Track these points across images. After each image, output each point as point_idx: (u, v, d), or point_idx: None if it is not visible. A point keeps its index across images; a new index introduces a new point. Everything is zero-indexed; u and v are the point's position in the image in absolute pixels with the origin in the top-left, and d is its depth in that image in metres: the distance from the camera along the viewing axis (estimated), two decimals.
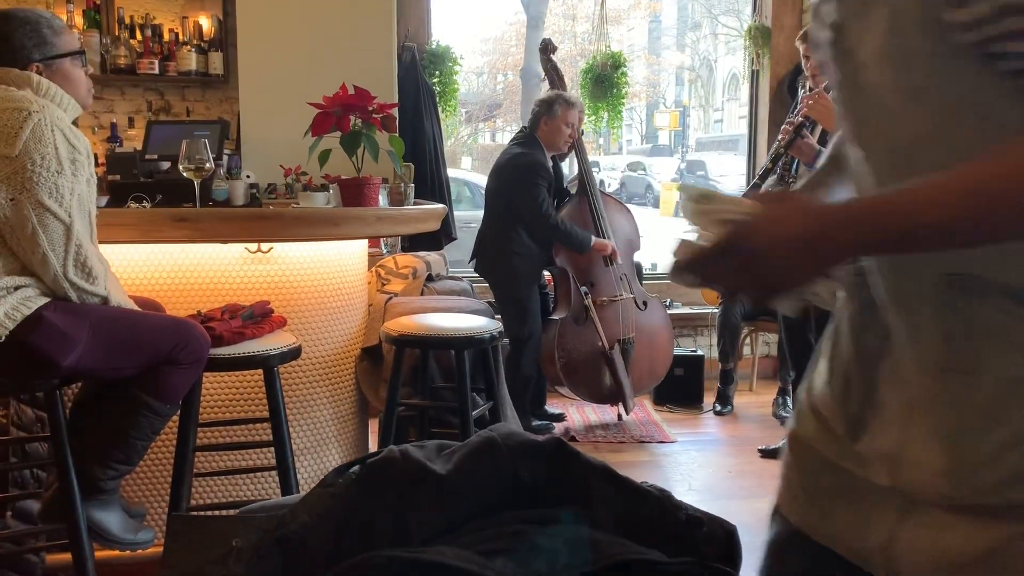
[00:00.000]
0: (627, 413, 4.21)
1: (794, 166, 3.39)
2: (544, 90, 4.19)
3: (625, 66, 4.99)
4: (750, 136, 5.51)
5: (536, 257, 3.96)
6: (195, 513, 1.29)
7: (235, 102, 4.40)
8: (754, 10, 5.36)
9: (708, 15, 18.11)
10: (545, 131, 3.96)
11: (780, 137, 3.02)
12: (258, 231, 2.51)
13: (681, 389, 4.62)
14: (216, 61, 4.61)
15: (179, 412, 2.26)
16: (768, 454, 3.79)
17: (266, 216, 2.52)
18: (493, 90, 17.71)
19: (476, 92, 17.47)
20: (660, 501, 1.05)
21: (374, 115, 2.71)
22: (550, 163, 4.01)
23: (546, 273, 4.20)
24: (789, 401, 4.14)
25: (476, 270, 4.14)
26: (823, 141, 3.00)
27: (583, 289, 4.03)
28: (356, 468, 1.11)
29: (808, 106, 2.85)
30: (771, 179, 3.50)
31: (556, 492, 1.08)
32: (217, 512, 2.28)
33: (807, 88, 3.51)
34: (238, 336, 2.33)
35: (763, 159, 5.11)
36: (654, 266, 7.22)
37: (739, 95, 5.36)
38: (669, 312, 5.01)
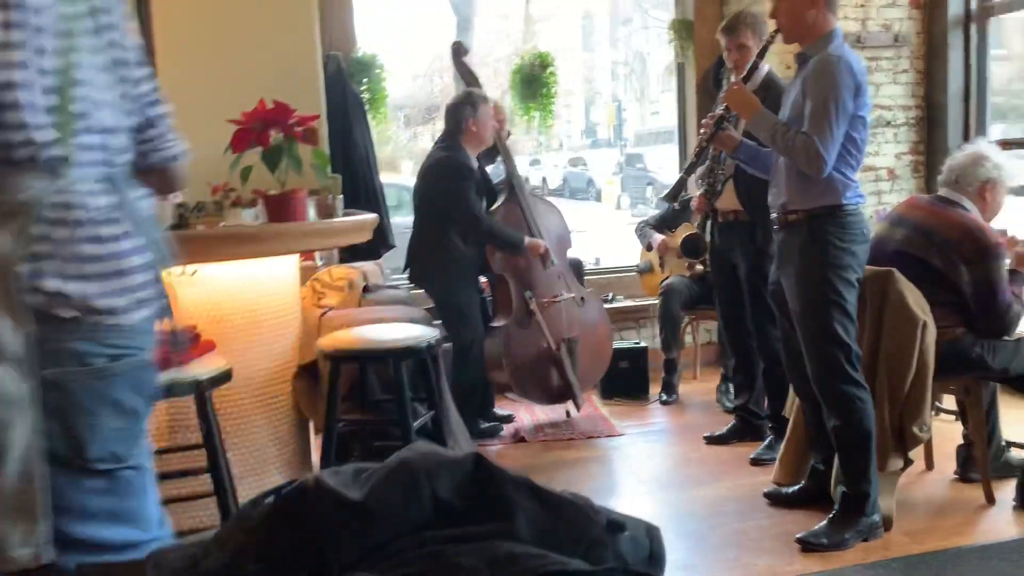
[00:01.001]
0: (578, 410, 4.23)
1: (722, 155, 3.43)
2: (459, 92, 4.15)
3: (553, 65, 5.00)
4: (680, 128, 5.58)
5: (471, 261, 3.95)
6: (104, 560, 1.25)
7: None
8: (676, 3, 5.41)
9: (638, 8, 18.27)
10: (472, 131, 3.93)
11: (702, 131, 3.06)
12: (182, 254, 2.45)
13: (627, 382, 4.66)
14: None
15: None
16: (713, 441, 3.84)
17: (188, 238, 2.46)
18: (431, 93, 17.63)
19: (413, 95, 17.37)
20: (580, 509, 1.05)
21: (295, 128, 2.68)
22: (476, 164, 3.99)
23: (482, 279, 4.18)
24: (731, 388, 4.20)
25: (411, 279, 4.11)
26: (747, 132, 3.04)
27: (527, 293, 4.03)
28: (270, 500, 1.09)
29: (726, 97, 2.88)
30: (700, 170, 3.54)
31: (476, 509, 1.07)
32: None
33: (730, 80, 3.55)
34: (164, 363, 2.27)
35: (692, 148, 5.18)
36: (597, 261, 7.27)
37: (674, 87, 5.41)
38: (611, 306, 5.06)
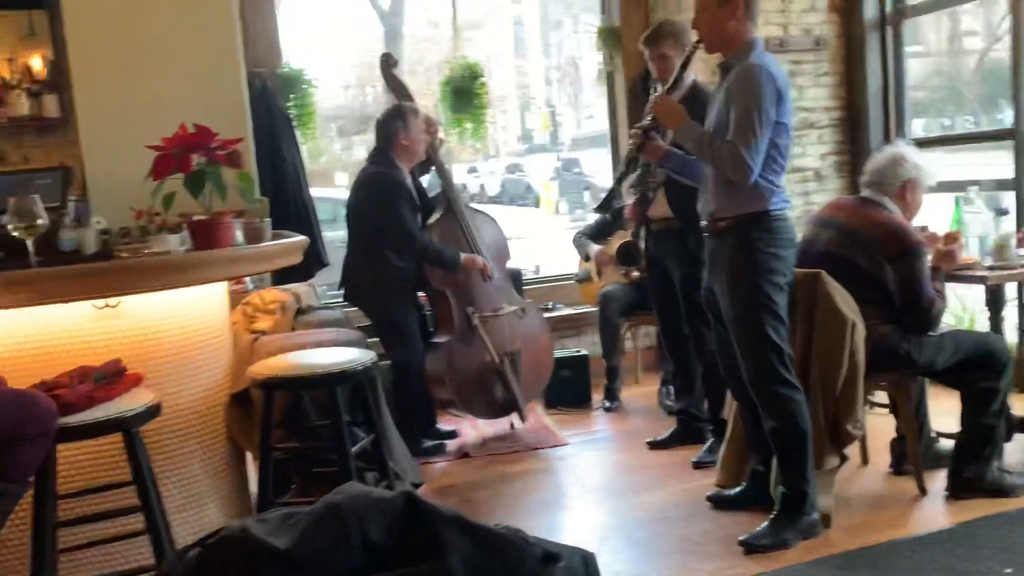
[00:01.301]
0: (523, 422, 4.22)
1: (653, 167, 3.46)
2: (390, 105, 4.10)
3: (483, 76, 4.99)
4: (611, 134, 5.62)
5: (407, 276, 3.90)
6: None
7: (77, 146, 4.16)
8: (603, 10, 5.46)
9: (568, 13, 18.41)
10: (404, 144, 3.89)
11: (631, 141, 3.08)
12: (103, 287, 2.37)
13: (569, 390, 4.67)
14: (51, 104, 4.36)
15: (33, 488, 2.12)
16: (656, 446, 3.87)
17: (111, 270, 2.38)
18: (363, 103, 17.48)
19: (346, 106, 17.20)
20: (514, 543, 1.04)
21: (219, 152, 2.62)
22: (409, 179, 3.95)
23: (420, 294, 4.15)
24: (671, 390, 4.24)
25: (345, 298, 4.05)
26: (675, 141, 3.08)
27: (469, 309, 4.00)
28: (195, 552, 1.05)
29: (652, 109, 2.91)
30: (632, 178, 3.56)
31: (409, 550, 1.05)
32: None
33: (657, 88, 3.59)
34: (88, 401, 2.20)
35: (624, 154, 5.23)
36: (537, 269, 7.28)
37: (605, 90, 5.50)
38: (552, 315, 5.07)
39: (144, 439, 2.28)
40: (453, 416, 4.34)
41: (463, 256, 3.92)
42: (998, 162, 4.72)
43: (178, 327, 2.63)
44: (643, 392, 4.84)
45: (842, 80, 5.10)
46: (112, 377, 2.31)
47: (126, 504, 2.40)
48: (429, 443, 4.05)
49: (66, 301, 2.39)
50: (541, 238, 11.80)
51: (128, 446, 2.21)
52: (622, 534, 3.02)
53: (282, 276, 3.98)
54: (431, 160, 4.12)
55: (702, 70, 4.54)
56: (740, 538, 2.79)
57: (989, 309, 3.37)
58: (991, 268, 3.20)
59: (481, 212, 4.35)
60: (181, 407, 2.64)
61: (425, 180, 4.31)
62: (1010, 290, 3.52)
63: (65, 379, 2.28)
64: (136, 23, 4.06)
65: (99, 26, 4.02)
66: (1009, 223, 3.50)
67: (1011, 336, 3.76)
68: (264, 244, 2.72)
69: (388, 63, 4.19)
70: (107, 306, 2.49)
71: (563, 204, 16.24)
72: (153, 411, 2.24)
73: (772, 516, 2.83)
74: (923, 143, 4.49)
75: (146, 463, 2.23)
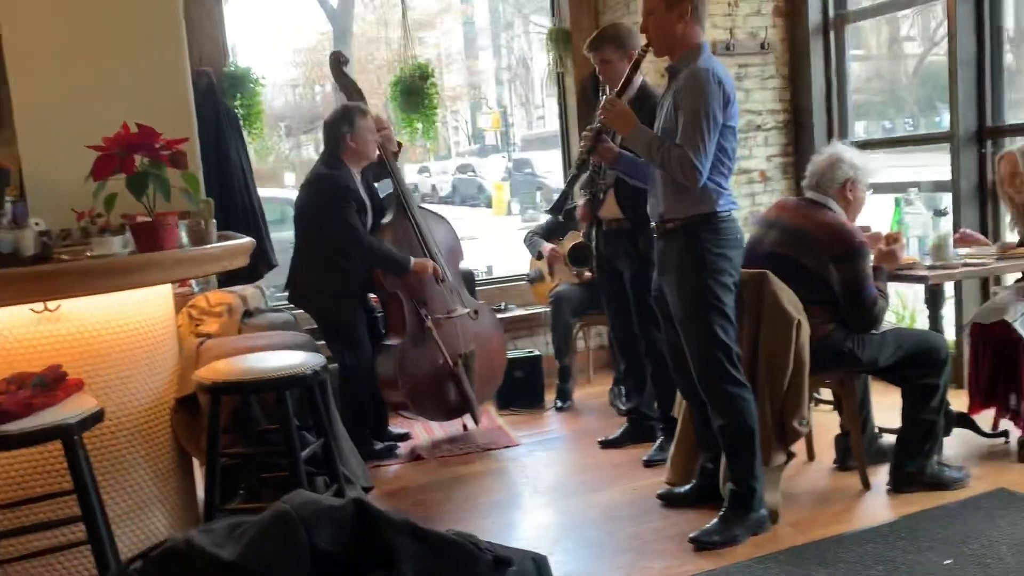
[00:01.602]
0: (477, 424, 4.21)
1: (603, 169, 3.49)
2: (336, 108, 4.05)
3: (433, 76, 4.97)
4: (562, 134, 5.65)
5: (354, 279, 3.86)
6: None
7: (13, 145, 4.03)
8: (552, 12, 5.48)
9: (519, 14, 18.44)
10: (353, 146, 3.84)
11: (582, 144, 3.10)
12: (41, 290, 2.31)
13: (522, 391, 4.68)
14: None
15: None
16: (607, 445, 3.90)
17: (49, 273, 2.31)
18: (311, 102, 17.29)
19: (294, 105, 16.99)
20: (465, 548, 1.03)
21: (162, 152, 2.56)
22: (358, 179, 3.90)
23: (372, 296, 4.11)
24: (623, 390, 4.27)
25: (291, 301, 4.00)
26: (623, 144, 3.10)
27: (422, 311, 3.97)
28: (139, 564, 1.02)
29: (604, 112, 2.93)
30: (583, 179, 3.59)
31: (359, 557, 1.03)
32: None
33: (607, 93, 3.61)
34: (27, 408, 2.14)
35: (575, 155, 5.26)
36: (489, 269, 7.27)
37: (556, 91, 5.53)
38: (504, 315, 5.07)
39: (87, 446, 2.22)
40: (405, 418, 4.32)
41: (414, 260, 3.89)
42: (936, 164, 4.86)
43: (121, 331, 2.57)
44: (595, 392, 4.87)
45: (787, 83, 5.20)
46: (52, 383, 2.25)
47: (67, 514, 2.35)
48: (380, 446, 4.02)
49: (3, 305, 2.32)
50: (493, 239, 11.81)
51: (69, 454, 2.15)
52: (574, 534, 3.03)
53: (228, 278, 3.90)
54: (384, 162, 4.07)
55: (651, 72, 4.59)
56: (690, 535, 2.83)
57: (928, 307, 3.46)
58: (931, 268, 3.29)
59: (433, 213, 4.33)
60: (125, 413, 2.58)
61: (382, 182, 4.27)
62: (948, 288, 3.62)
63: (2, 386, 2.22)
64: (76, 17, 3.96)
65: (37, 20, 3.91)
66: (946, 223, 3.60)
67: (949, 333, 3.87)
68: (209, 246, 2.67)
69: (339, 61, 4.14)
70: (46, 310, 2.42)
71: (515, 204, 16.27)
72: (96, 417, 2.19)
73: (721, 513, 2.87)
74: (865, 145, 4.59)
75: (88, 471, 2.17)
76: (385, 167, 4.10)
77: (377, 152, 3.99)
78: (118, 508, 2.56)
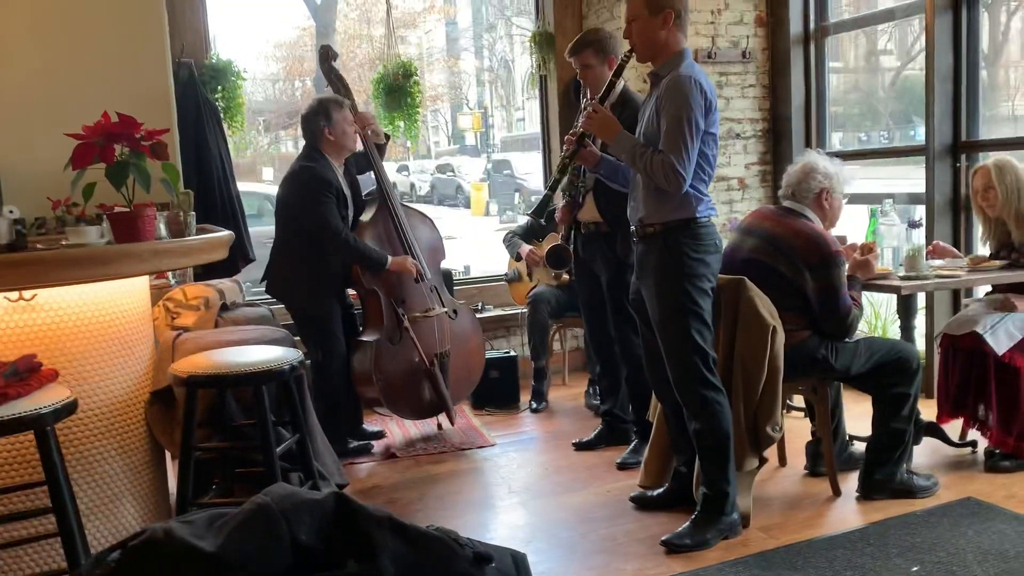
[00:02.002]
0: (452, 424, 4.21)
1: (582, 172, 3.51)
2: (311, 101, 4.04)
3: (416, 75, 4.97)
4: (543, 137, 5.66)
5: (333, 274, 3.85)
6: None
7: None
8: (536, 15, 5.50)
9: (501, 16, 18.46)
10: (332, 139, 3.83)
11: (564, 148, 3.12)
12: (16, 278, 2.27)
13: (498, 391, 4.69)
14: None
15: None
16: (581, 447, 3.91)
17: (25, 262, 2.28)
18: (291, 97, 17.19)
19: (273, 99, 16.89)
20: (445, 544, 1.04)
21: (143, 142, 2.54)
22: (340, 172, 3.89)
23: (351, 291, 4.10)
24: (598, 391, 4.30)
25: (268, 292, 3.98)
26: (605, 147, 3.12)
27: (399, 309, 3.96)
28: (116, 554, 1.02)
29: (588, 119, 2.95)
30: (564, 182, 3.60)
31: (339, 551, 1.04)
32: None
33: (588, 97, 3.64)
34: (0, 398, 2.11)
35: (556, 157, 5.29)
36: (467, 269, 7.28)
37: (538, 94, 5.56)
38: (482, 316, 5.07)
39: (59, 437, 2.20)
40: (380, 415, 4.31)
41: (392, 259, 3.88)
42: (911, 176, 4.93)
43: (96, 321, 2.54)
44: (570, 393, 4.89)
45: (767, 92, 5.26)
46: (26, 373, 2.22)
47: (37, 505, 2.32)
48: (355, 443, 4.01)
49: None
50: (471, 239, 11.81)
51: (41, 445, 2.12)
52: (547, 535, 3.04)
53: (205, 271, 3.88)
54: (367, 155, 4.06)
55: (631, 77, 4.62)
56: (662, 538, 2.85)
57: (900, 317, 3.52)
58: (904, 278, 3.34)
59: (417, 211, 4.32)
60: (99, 404, 2.56)
61: (362, 178, 4.26)
62: (920, 299, 3.67)
63: None
64: (58, 4, 3.92)
65: (17, 5, 3.87)
66: (920, 235, 3.66)
67: (920, 344, 3.92)
68: (188, 238, 2.66)
69: (327, 56, 4.12)
70: (21, 299, 2.39)
71: (493, 205, 16.28)
72: (69, 408, 2.16)
73: (694, 516, 2.89)
74: (841, 156, 4.65)
75: (60, 463, 2.15)
76: (366, 161, 4.10)
77: (359, 143, 3.98)
78: (89, 501, 2.53)
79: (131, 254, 2.39)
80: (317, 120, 3.80)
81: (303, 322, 3.87)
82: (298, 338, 3.87)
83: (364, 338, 3.98)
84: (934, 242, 3.81)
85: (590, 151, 3.13)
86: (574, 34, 5.20)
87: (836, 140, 5.59)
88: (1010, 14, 6.61)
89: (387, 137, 4.28)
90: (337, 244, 3.75)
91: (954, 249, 3.76)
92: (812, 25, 5.09)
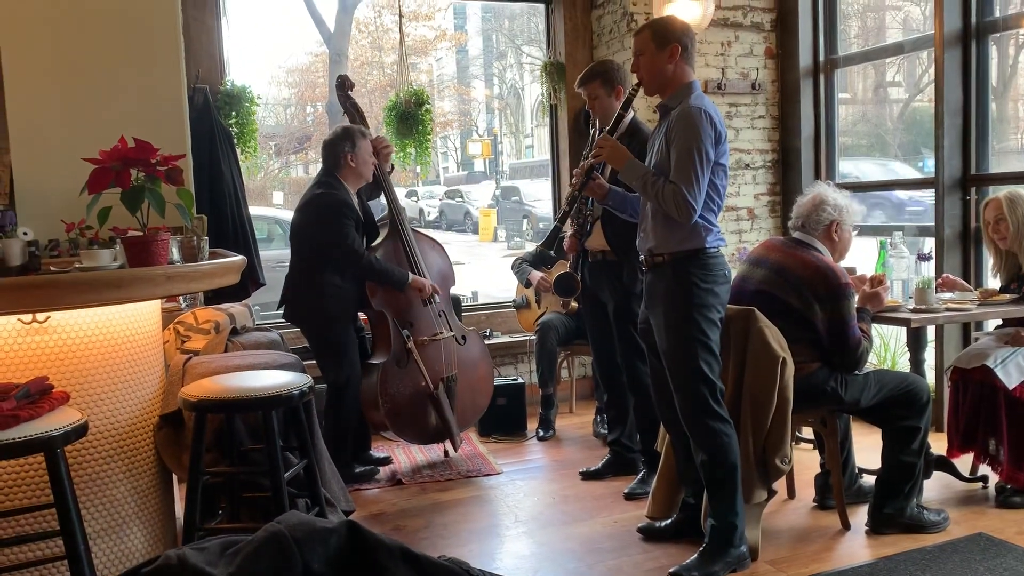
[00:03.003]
0: (455, 450, 4.20)
1: (590, 201, 3.54)
2: (336, 128, 4.09)
3: (428, 103, 5.02)
4: (553, 165, 5.70)
5: (349, 298, 3.87)
6: None
7: (5, 153, 4.03)
8: (548, 46, 5.56)
9: (512, 45, 18.64)
10: (353, 166, 3.88)
11: (573, 181, 3.16)
12: (31, 301, 2.29)
13: (505, 418, 4.67)
14: None
15: None
16: (589, 476, 3.90)
17: (39, 284, 2.30)
18: (303, 122, 17.36)
19: (284, 124, 17.06)
20: (457, 575, 1.04)
21: (158, 167, 2.56)
22: (356, 200, 3.94)
23: (361, 315, 4.12)
24: (605, 419, 4.28)
25: (285, 317, 4.00)
26: (614, 179, 3.15)
27: (405, 332, 3.98)
28: None
29: (598, 150, 2.98)
30: (572, 213, 3.62)
31: None
32: None
33: (597, 126, 3.67)
34: (12, 420, 2.11)
35: (566, 185, 5.32)
36: (475, 295, 7.28)
37: (547, 121, 5.61)
38: (490, 342, 5.07)
39: (68, 459, 2.21)
40: (387, 440, 4.30)
41: (412, 277, 3.91)
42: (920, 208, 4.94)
43: (108, 344, 2.56)
44: (578, 422, 4.88)
45: (776, 123, 5.29)
46: (37, 395, 2.23)
47: (45, 528, 2.32)
48: (361, 469, 4.00)
49: None
50: (478, 265, 11.83)
51: (51, 467, 2.13)
52: (554, 565, 3.02)
53: (216, 295, 3.91)
54: (380, 182, 4.10)
55: (640, 108, 4.65)
56: (670, 570, 2.83)
57: (910, 350, 3.51)
58: (914, 311, 3.34)
59: (427, 236, 4.34)
60: (109, 427, 2.56)
61: (375, 204, 4.29)
62: (930, 332, 3.66)
63: None
64: (76, 32, 3.98)
65: (36, 34, 3.93)
66: (929, 268, 3.66)
67: (930, 377, 3.91)
68: (201, 263, 2.68)
69: (344, 85, 4.18)
70: (35, 321, 2.41)
71: (501, 231, 16.34)
72: (80, 431, 2.17)
73: (702, 548, 2.87)
74: (847, 187, 4.67)
75: (69, 486, 2.15)
76: (379, 186, 4.13)
77: (373, 173, 4.02)
78: (96, 524, 2.53)
79: (144, 278, 2.40)
80: (343, 145, 3.86)
81: (320, 346, 3.89)
82: (312, 362, 3.89)
83: (372, 360, 3.99)
84: (944, 275, 3.81)
85: (598, 183, 3.16)
86: (584, 64, 5.26)
87: (846, 170, 5.61)
88: (1019, 47, 6.64)
89: (392, 167, 4.32)
90: (359, 264, 3.79)
91: (964, 282, 3.76)
92: (821, 58, 5.13)
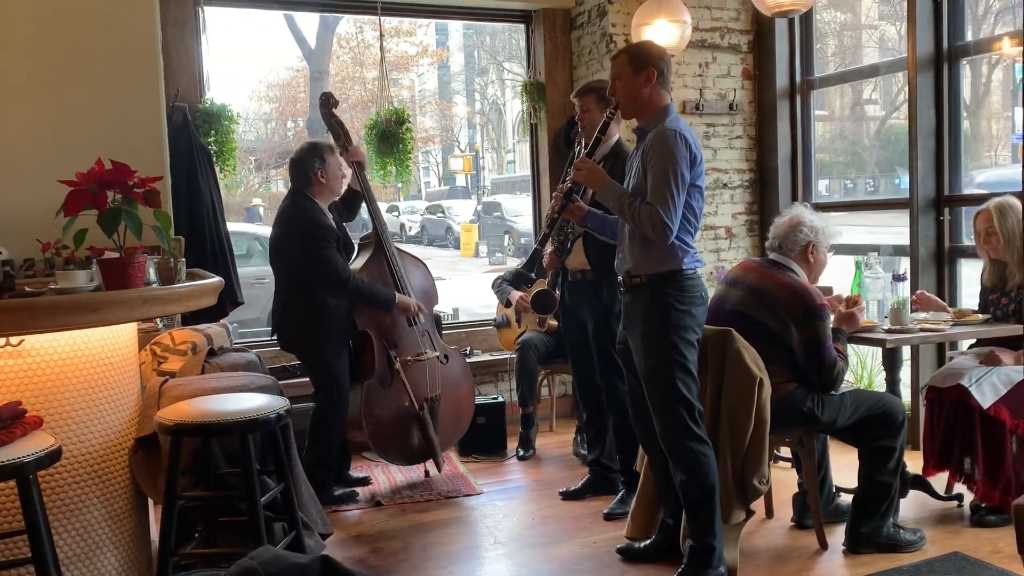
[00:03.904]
0: (439, 471, 4.19)
1: (571, 222, 3.55)
2: (303, 144, 4.06)
3: (409, 121, 5.02)
4: (533, 182, 5.72)
5: (342, 317, 3.84)
6: None
7: None
8: (528, 66, 5.59)
9: (493, 61, 18.72)
10: (323, 182, 3.85)
11: (553, 203, 3.18)
12: (4, 324, 2.26)
13: (485, 437, 4.66)
14: None
15: None
16: (568, 496, 3.90)
17: (13, 307, 2.28)
18: (283, 136, 17.31)
19: (265, 139, 16.99)
20: None
21: (135, 189, 2.55)
22: (331, 216, 3.91)
23: None
24: (585, 438, 4.28)
25: (282, 347, 3.97)
26: (595, 200, 3.17)
27: (391, 352, 3.96)
28: None
29: (576, 172, 3.00)
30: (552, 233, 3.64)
31: None
32: None
33: (581, 143, 3.70)
34: None
35: (546, 202, 5.35)
36: (456, 312, 7.28)
37: (528, 137, 5.64)
38: (470, 360, 5.06)
39: (41, 485, 2.18)
40: (367, 460, 4.28)
41: (399, 297, 3.90)
42: (895, 224, 4.99)
43: (84, 367, 2.53)
44: (558, 441, 4.88)
45: (754, 143, 5.34)
46: (10, 420, 2.20)
47: (17, 555, 2.29)
48: (340, 491, 3.97)
49: None
50: (460, 281, 11.83)
51: (23, 493, 2.10)
52: None
53: (193, 315, 3.86)
54: (362, 196, 4.07)
55: (625, 130, 4.69)
56: None
57: (886, 370, 3.54)
58: (889, 331, 3.37)
59: (411, 255, 4.32)
60: (83, 451, 2.53)
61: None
62: (905, 351, 3.70)
63: None
64: (53, 50, 3.96)
65: (12, 49, 3.90)
66: (904, 288, 3.70)
67: (905, 395, 3.95)
68: (178, 285, 2.66)
69: (329, 103, 4.17)
70: (8, 344, 2.38)
71: (483, 246, 16.35)
72: (53, 456, 2.14)
73: (680, 569, 2.88)
74: (826, 207, 4.72)
75: (41, 512, 2.12)
76: (355, 205, 4.10)
77: (345, 188, 3.99)
78: (69, 550, 2.50)
79: (120, 301, 2.38)
80: (312, 161, 3.81)
81: (314, 370, 3.85)
82: (291, 382, 3.86)
83: (357, 381, 3.97)
84: (918, 292, 3.85)
85: (578, 206, 3.19)
86: (565, 84, 5.31)
87: (822, 188, 5.68)
88: (991, 65, 6.76)
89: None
90: (346, 290, 3.77)
91: (938, 299, 3.80)
92: (798, 79, 5.19)
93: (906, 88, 4.57)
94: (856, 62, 8.86)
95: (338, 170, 3.88)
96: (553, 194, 3.23)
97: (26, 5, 3.91)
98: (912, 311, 3.53)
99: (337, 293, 3.79)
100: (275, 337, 3.93)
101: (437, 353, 4.15)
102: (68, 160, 3.01)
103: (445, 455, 4.31)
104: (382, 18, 5.07)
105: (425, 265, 4.33)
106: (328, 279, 3.74)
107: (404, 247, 4.41)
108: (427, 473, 4.26)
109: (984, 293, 3.62)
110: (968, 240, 4.35)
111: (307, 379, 3.97)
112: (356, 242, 4.16)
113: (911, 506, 3.50)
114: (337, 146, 3.99)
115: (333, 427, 3.81)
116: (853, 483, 3.23)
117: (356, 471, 4.25)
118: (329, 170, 3.84)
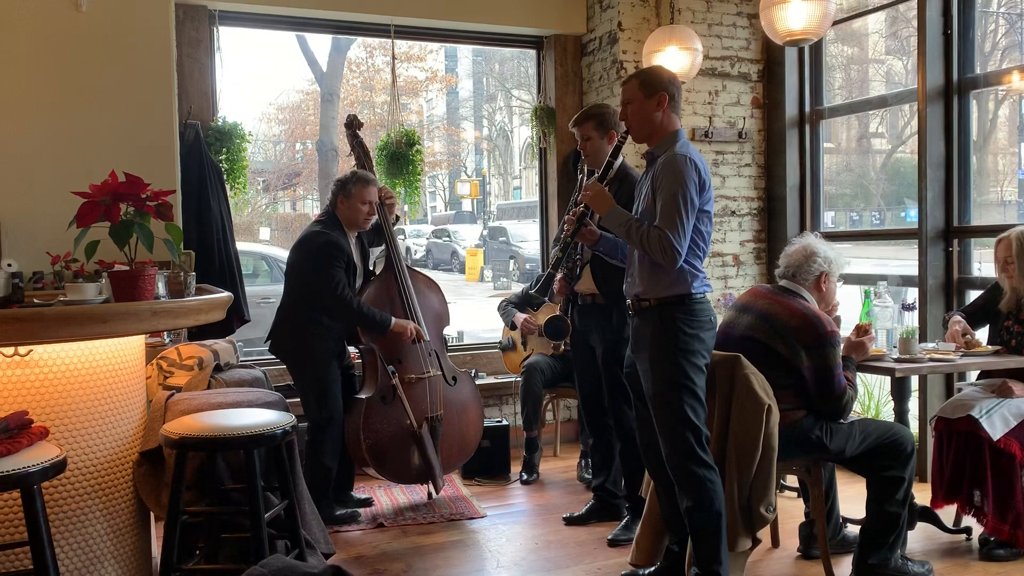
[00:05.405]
0: (437, 492, 4.15)
1: (579, 245, 3.56)
2: (351, 166, 4.13)
3: (419, 143, 5.05)
4: (541, 207, 5.73)
5: (334, 337, 3.85)
6: None
7: None
8: (539, 91, 5.62)
9: (501, 88, 18.87)
10: (343, 210, 3.90)
11: (565, 228, 3.18)
12: (13, 334, 2.27)
13: (489, 461, 4.63)
14: None
15: None
16: (572, 521, 3.86)
17: (22, 317, 2.28)
18: (292, 159, 17.41)
19: (274, 161, 17.09)
20: None
21: (148, 203, 2.56)
22: (352, 242, 3.93)
23: (352, 350, 4.10)
24: (590, 464, 4.25)
25: (271, 351, 3.97)
26: (600, 226, 3.17)
27: (390, 368, 3.96)
28: None
29: (584, 198, 3.01)
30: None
31: None
32: None
33: (586, 170, 3.71)
34: None
35: (554, 227, 5.36)
36: (460, 335, 7.27)
37: (535, 163, 5.67)
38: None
39: (45, 495, 2.17)
40: (370, 478, 4.24)
41: (395, 321, 3.90)
42: (901, 257, 4.99)
43: (91, 379, 2.53)
44: (562, 465, 4.84)
45: (762, 171, 5.36)
46: (16, 430, 2.20)
47: (18, 567, 2.27)
48: (342, 511, 3.94)
49: None
50: (465, 304, 11.83)
51: (27, 504, 2.09)
52: None
53: (200, 331, 3.88)
54: (381, 227, 4.10)
55: (630, 153, 4.71)
56: None
57: (894, 399, 3.51)
58: (898, 360, 3.35)
59: (424, 276, 4.32)
60: (87, 463, 2.52)
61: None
62: (913, 381, 3.67)
63: None
64: (70, 66, 4.00)
65: (29, 65, 3.94)
66: (913, 318, 3.68)
67: (913, 426, 3.91)
68: (187, 298, 2.66)
69: (353, 124, 4.20)
70: (16, 354, 2.38)
71: (488, 271, 16.36)
72: (58, 467, 2.14)
73: None
74: (834, 237, 4.72)
75: (44, 523, 2.11)
76: (381, 234, 4.13)
77: (369, 223, 4.01)
78: (70, 563, 2.48)
79: (130, 313, 2.38)
80: (338, 186, 3.92)
81: (303, 382, 3.86)
82: (296, 400, 3.85)
83: (359, 395, 3.97)
84: (955, 319, 3.73)
85: (590, 229, 3.19)
86: (574, 109, 5.33)
87: (828, 219, 5.68)
88: (998, 101, 6.79)
89: (396, 219, 4.29)
90: (342, 306, 3.78)
91: (975, 339, 3.71)
92: (807, 108, 5.22)
93: (913, 121, 4.59)
94: (863, 95, 8.92)
95: (358, 204, 3.88)
96: (565, 218, 3.24)
97: (45, 23, 3.96)
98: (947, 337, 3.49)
99: (334, 311, 3.79)
100: (267, 342, 3.93)
101: (442, 373, 4.14)
102: (81, 174, 3.03)
103: (448, 477, 4.28)
104: (395, 41, 5.11)
105: (438, 286, 4.34)
106: (329, 296, 3.75)
107: (420, 271, 4.41)
108: (430, 495, 4.23)
109: (1000, 319, 3.59)
110: (977, 272, 4.34)
111: None
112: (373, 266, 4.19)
113: (919, 538, 3.46)
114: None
115: (327, 443, 3.79)
116: (860, 513, 3.19)
117: (359, 492, 4.22)
118: (349, 201, 3.87)
